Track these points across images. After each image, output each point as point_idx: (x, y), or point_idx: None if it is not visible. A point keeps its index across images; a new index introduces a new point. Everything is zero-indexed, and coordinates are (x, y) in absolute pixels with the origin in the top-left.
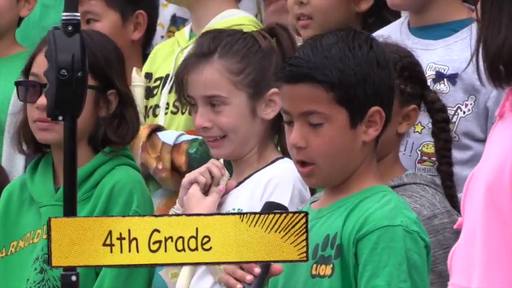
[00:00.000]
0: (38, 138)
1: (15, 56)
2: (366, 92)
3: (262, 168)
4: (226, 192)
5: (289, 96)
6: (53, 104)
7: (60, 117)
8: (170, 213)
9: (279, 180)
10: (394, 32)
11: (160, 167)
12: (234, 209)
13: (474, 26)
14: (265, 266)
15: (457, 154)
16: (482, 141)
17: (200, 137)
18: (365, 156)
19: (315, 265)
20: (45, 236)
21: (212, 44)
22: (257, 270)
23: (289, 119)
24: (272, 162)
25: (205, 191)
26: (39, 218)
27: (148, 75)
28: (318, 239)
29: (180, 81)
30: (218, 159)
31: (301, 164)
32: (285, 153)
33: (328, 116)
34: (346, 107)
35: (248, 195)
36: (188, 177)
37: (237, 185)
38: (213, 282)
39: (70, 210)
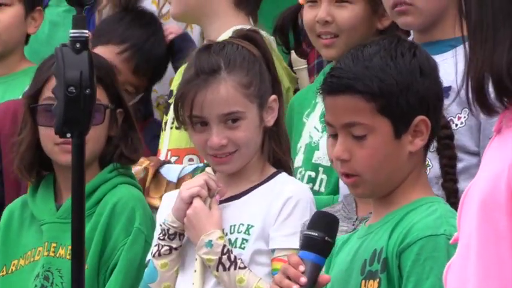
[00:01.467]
0: (60, 161)
1: (23, 71)
2: (409, 101)
3: (264, 182)
4: (221, 196)
5: (331, 108)
6: (61, 121)
7: (69, 134)
8: (162, 226)
9: (298, 199)
10: None
11: None
12: (242, 225)
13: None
14: (313, 275)
15: None
16: (475, 154)
17: (199, 164)
18: (413, 167)
19: (363, 281)
20: (46, 253)
21: (214, 61)
22: (303, 280)
23: (333, 131)
24: (272, 176)
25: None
26: (40, 235)
27: (171, 93)
28: (366, 254)
29: (182, 102)
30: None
31: (345, 175)
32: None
33: (371, 127)
34: (389, 117)
35: (260, 211)
36: (190, 191)
37: (232, 198)
38: None
39: (78, 225)
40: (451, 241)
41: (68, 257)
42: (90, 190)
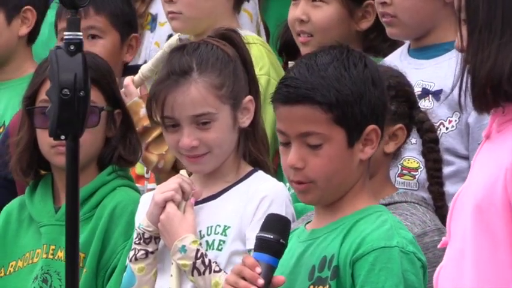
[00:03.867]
0: (56, 163)
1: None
2: (363, 111)
3: (240, 181)
4: (195, 198)
5: (287, 118)
6: (55, 123)
7: (63, 137)
8: (138, 230)
9: (273, 198)
10: (395, 58)
11: (160, 166)
12: (219, 226)
13: None
14: (268, 277)
15: None
16: (465, 157)
17: None
18: (360, 174)
19: (311, 286)
20: (44, 256)
21: (185, 62)
22: (261, 281)
23: (285, 140)
24: (248, 175)
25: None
26: (39, 237)
27: None
28: (314, 260)
29: (154, 103)
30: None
31: (297, 182)
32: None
33: (327, 136)
34: (344, 126)
35: (236, 211)
36: (163, 195)
37: (209, 198)
38: None
39: (72, 229)
40: (439, 245)
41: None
42: (88, 193)
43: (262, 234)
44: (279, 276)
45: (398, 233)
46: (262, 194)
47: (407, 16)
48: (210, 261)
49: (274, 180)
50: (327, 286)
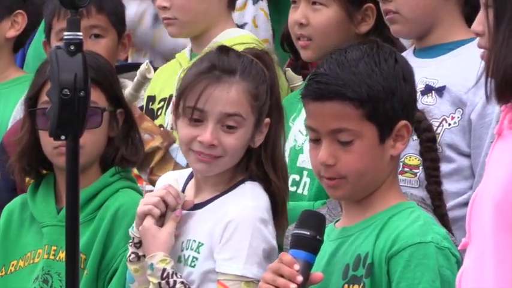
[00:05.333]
0: (59, 163)
1: (14, 80)
2: (394, 107)
3: (227, 192)
4: (184, 208)
5: (317, 114)
6: (56, 123)
7: (63, 137)
8: (130, 233)
9: (238, 222)
10: None
11: None
12: (194, 241)
13: (472, 45)
14: (305, 274)
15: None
16: (466, 155)
17: None
18: (391, 170)
19: (346, 285)
20: (46, 256)
21: (232, 62)
22: (299, 278)
23: (315, 136)
24: (235, 186)
25: (163, 215)
26: (41, 237)
27: (151, 98)
28: (348, 259)
29: (189, 92)
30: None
31: (328, 178)
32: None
33: (359, 132)
34: (376, 122)
35: (209, 228)
36: (142, 208)
37: (199, 206)
38: None
39: (72, 231)
40: (459, 247)
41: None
42: (91, 194)
43: (299, 231)
44: (316, 272)
45: (432, 228)
46: (229, 218)
47: (408, 10)
48: (175, 282)
49: (249, 199)
50: (362, 284)
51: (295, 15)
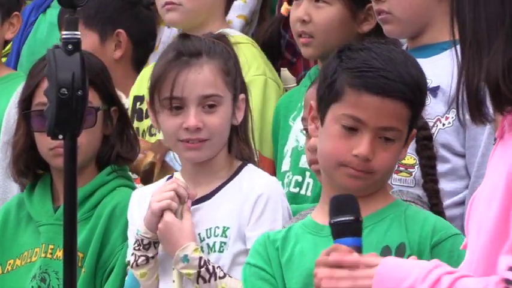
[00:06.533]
0: (55, 164)
1: (2, 78)
2: (420, 114)
3: (232, 177)
4: (191, 199)
5: (372, 108)
6: (53, 123)
7: (61, 136)
8: (136, 237)
9: (269, 196)
10: None
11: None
12: (218, 227)
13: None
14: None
15: None
16: (461, 155)
17: None
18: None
19: None
20: (43, 255)
21: (196, 45)
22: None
23: (354, 126)
24: (239, 170)
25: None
26: (38, 236)
27: (138, 98)
28: (371, 249)
29: (162, 83)
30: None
31: (358, 170)
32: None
33: (402, 133)
34: (410, 125)
35: (233, 210)
36: (159, 205)
37: (204, 198)
38: None
39: (70, 229)
40: (461, 247)
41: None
42: (88, 193)
43: (338, 219)
44: (370, 254)
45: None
46: (258, 192)
47: (401, 10)
48: (214, 267)
49: (267, 175)
50: None
51: (298, 12)
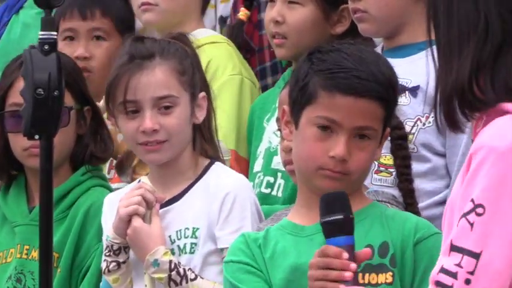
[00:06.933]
0: (30, 164)
1: None
2: (394, 112)
3: (200, 177)
4: (158, 202)
5: (346, 109)
6: (29, 123)
7: (37, 136)
8: (105, 243)
9: (236, 194)
10: None
11: None
12: (187, 229)
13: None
14: (352, 258)
15: (415, 166)
16: (441, 155)
17: None
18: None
19: (360, 274)
20: (18, 255)
21: (148, 48)
22: (353, 265)
23: (331, 127)
24: (207, 169)
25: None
26: (13, 237)
27: None
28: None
29: (116, 87)
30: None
31: (335, 172)
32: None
33: (377, 132)
34: (385, 124)
35: (202, 211)
36: (126, 210)
37: (172, 200)
38: None
39: (46, 229)
40: None
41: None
42: (63, 193)
43: (329, 218)
44: (362, 250)
45: None
46: (225, 191)
47: (376, 9)
48: (184, 270)
49: (234, 173)
50: (390, 273)
51: (271, 12)
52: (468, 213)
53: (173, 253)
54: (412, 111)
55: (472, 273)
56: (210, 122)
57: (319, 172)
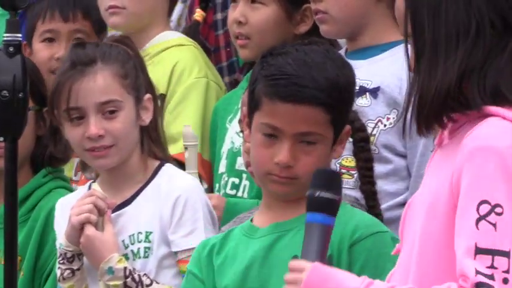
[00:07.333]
0: None
1: None
2: (348, 112)
3: (150, 180)
4: (109, 209)
5: (287, 116)
6: None
7: (1, 138)
8: (59, 251)
9: (187, 197)
10: None
11: None
12: (140, 233)
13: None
14: (325, 239)
15: (377, 167)
16: (402, 156)
17: None
18: None
19: None
20: None
21: (89, 53)
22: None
23: (275, 134)
24: (157, 171)
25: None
26: None
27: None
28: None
29: (59, 94)
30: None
31: (282, 177)
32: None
33: (323, 136)
34: (335, 127)
35: (154, 214)
36: (78, 218)
37: (124, 204)
38: None
39: (11, 231)
40: (393, 252)
41: (3, 262)
42: (24, 195)
43: (317, 193)
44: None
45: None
46: (176, 194)
47: (337, 10)
48: (139, 276)
49: (185, 174)
50: None
51: (234, 13)
52: (487, 215)
53: (127, 258)
54: (373, 112)
55: (507, 271)
56: (157, 124)
57: (267, 177)
